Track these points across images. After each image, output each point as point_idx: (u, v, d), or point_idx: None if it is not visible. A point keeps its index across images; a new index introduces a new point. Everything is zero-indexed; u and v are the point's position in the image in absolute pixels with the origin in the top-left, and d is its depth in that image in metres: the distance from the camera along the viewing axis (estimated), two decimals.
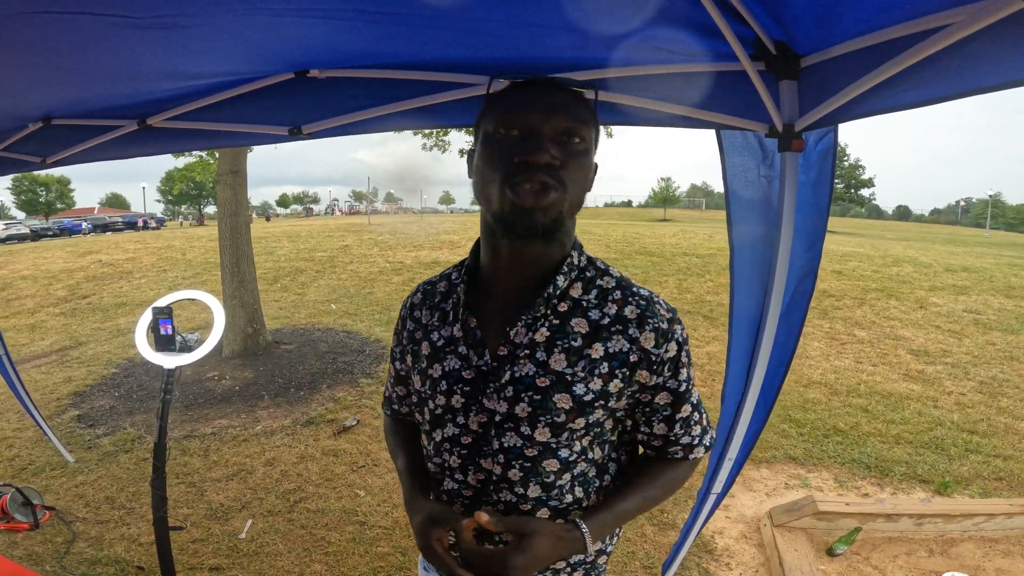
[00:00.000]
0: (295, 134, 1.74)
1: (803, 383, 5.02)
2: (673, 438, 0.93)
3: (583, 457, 0.88)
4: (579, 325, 0.84)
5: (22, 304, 9.09)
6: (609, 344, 0.83)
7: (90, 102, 1.80)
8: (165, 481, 2.02)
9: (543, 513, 0.88)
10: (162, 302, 1.96)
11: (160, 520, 2.01)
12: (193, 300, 2.23)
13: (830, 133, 1.19)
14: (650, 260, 10.11)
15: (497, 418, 0.85)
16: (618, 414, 0.90)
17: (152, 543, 2.68)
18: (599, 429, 0.88)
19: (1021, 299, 7.94)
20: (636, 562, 2.64)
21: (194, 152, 10.24)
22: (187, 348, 2.00)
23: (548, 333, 0.84)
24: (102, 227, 36.19)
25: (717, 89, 1.19)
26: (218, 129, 1.78)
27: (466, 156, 0.92)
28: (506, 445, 0.85)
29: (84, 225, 36.28)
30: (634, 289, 0.87)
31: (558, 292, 0.85)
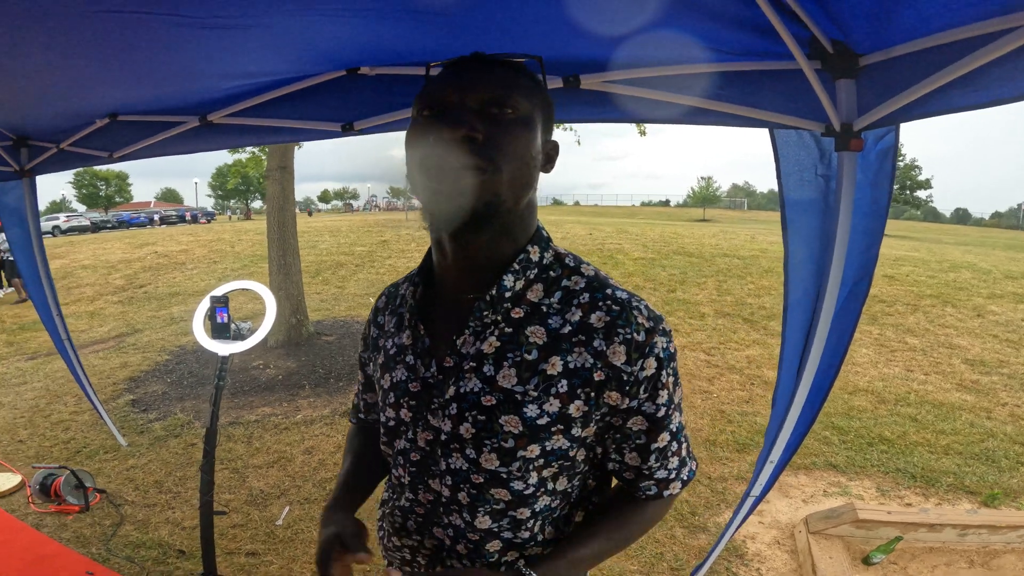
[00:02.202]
0: (347, 130, 1.79)
1: (848, 390, 4.85)
2: (647, 471, 0.78)
3: (544, 490, 0.75)
4: (535, 334, 0.71)
5: (82, 292, 9.61)
6: (569, 358, 0.69)
7: (154, 99, 1.90)
8: (213, 466, 2.09)
9: (494, 545, 0.76)
10: (219, 291, 2.05)
11: (206, 504, 2.07)
12: (245, 290, 2.32)
13: (890, 133, 1.16)
14: (688, 261, 9.92)
15: (443, 437, 0.75)
16: (588, 441, 0.75)
17: (194, 527, 2.80)
18: (565, 461, 0.74)
19: None
20: (664, 563, 2.62)
21: (247, 148, 10.63)
22: (240, 336, 2.08)
23: (498, 343, 0.71)
24: (161, 220, 37.95)
25: (771, 87, 1.17)
26: (274, 125, 1.85)
27: None
28: (452, 467, 0.75)
29: (156, 216, 38.60)
30: (607, 291, 0.72)
31: (506, 294, 0.72)
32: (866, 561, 2.51)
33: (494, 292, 0.71)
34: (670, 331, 0.74)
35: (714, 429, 3.98)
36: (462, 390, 0.72)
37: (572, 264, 0.76)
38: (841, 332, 1.36)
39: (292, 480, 3.37)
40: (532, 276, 0.74)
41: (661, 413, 0.73)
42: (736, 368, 5.35)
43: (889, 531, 2.58)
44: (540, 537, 0.78)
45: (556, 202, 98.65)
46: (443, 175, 0.65)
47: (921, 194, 43.11)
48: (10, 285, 9.52)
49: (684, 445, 0.80)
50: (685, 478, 0.81)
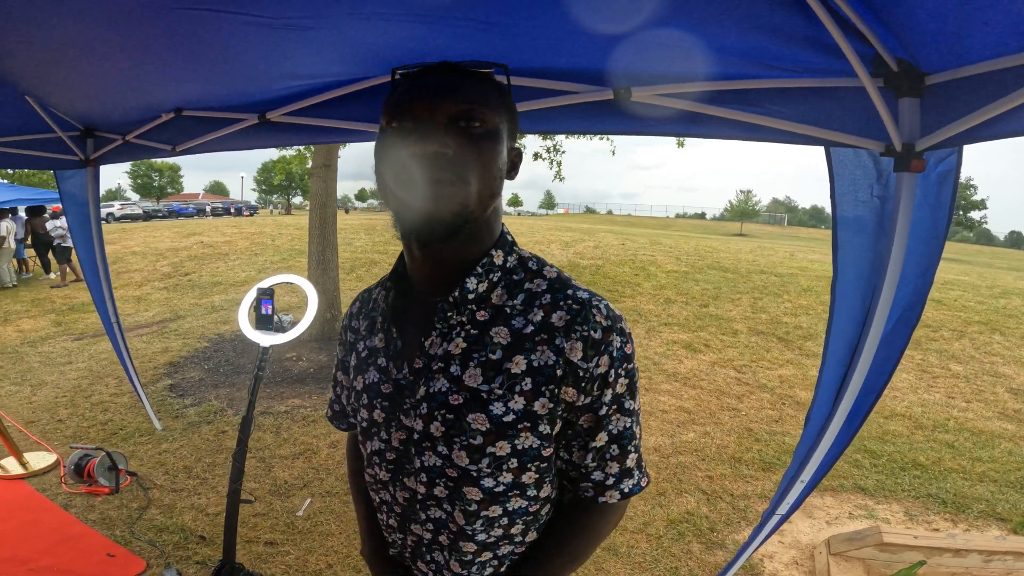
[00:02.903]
0: None
1: (884, 414, 4.69)
2: (584, 470, 0.79)
3: (519, 492, 0.77)
4: (499, 335, 0.74)
5: (131, 277, 10.01)
6: (533, 356, 0.72)
7: (218, 96, 1.97)
8: (245, 454, 2.13)
9: (468, 547, 0.79)
10: (266, 283, 2.11)
11: (234, 492, 2.11)
12: (288, 284, 2.38)
13: (953, 155, 1.12)
14: (723, 276, 9.73)
15: (415, 436, 0.77)
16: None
17: (217, 514, 2.86)
18: (541, 462, 0.76)
19: None
20: None
21: (294, 146, 10.96)
22: (282, 328, 2.14)
23: (464, 344, 0.74)
24: (211, 211, 39.42)
25: (828, 105, 1.15)
26: (326, 125, 1.90)
27: None
28: (427, 464, 0.77)
29: (207, 208, 40.37)
30: (568, 292, 0.74)
31: (469, 295, 0.74)
32: None
33: (457, 294, 0.74)
34: (629, 333, 0.76)
35: (740, 447, 3.90)
36: (431, 390, 0.75)
37: (535, 267, 0.79)
38: (887, 357, 1.32)
39: (316, 472, 3.42)
40: (496, 279, 0.76)
41: (603, 412, 0.75)
42: (767, 387, 5.23)
43: (913, 555, 2.51)
44: (518, 538, 0.81)
45: (589, 210, 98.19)
46: (413, 187, 0.68)
47: (975, 215, 41.32)
48: (58, 270, 9.98)
49: (632, 456, 0.79)
50: (625, 490, 0.80)
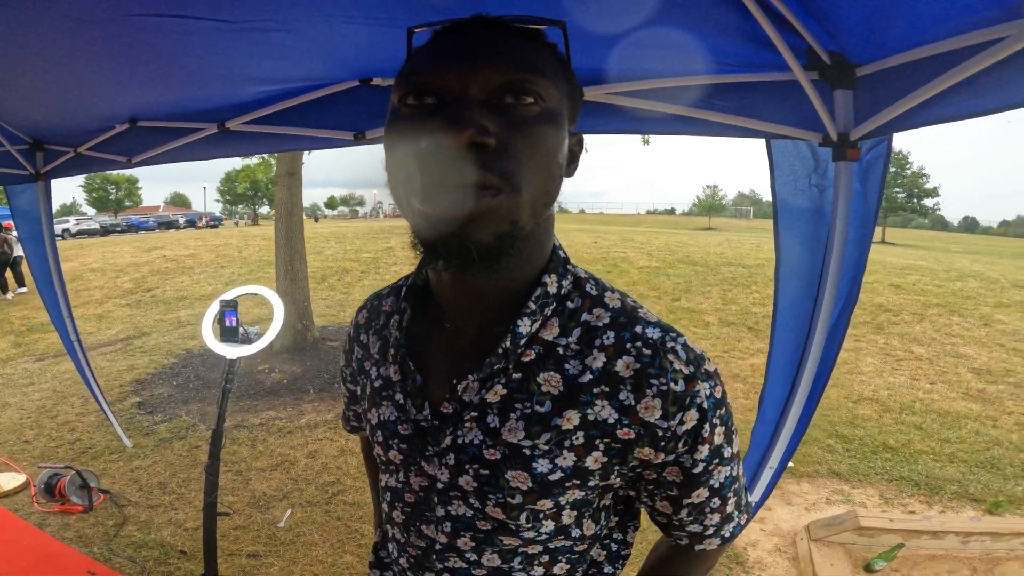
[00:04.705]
0: (359, 139, 1.83)
1: (853, 399, 4.85)
2: (677, 522, 0.66)
3: (561, 537, 0.64)
4: (548, 382, 0.58)
5: (91, 295, 9.69)
6: (589, 411, 0.57)
7: (174, 105, 1.94)
8: (219, 467, 2.10)
9: None
10: (229, 295, 2.08)
11: (209, 505, 2.08)
12: (254, 295, 2.35)
13: (883, 142, 1.18)
14: (693, 269, 9.92)
15: (439, 485, 0.64)
16: (616, 489, 0.65)
17: (196, 528, 2.80)
18: (585, 508, 0.64)
19: None
20: None
21: (256, 155, 10.76)
22: (248, 340, 2.11)
23: (504, 391, 0.59)
24: (166, 224, 38.42)
25: (768, 98, 1.20)
26: (289, 133, 1.89)
27: None
28: (453, 513, 0.64)
29: (181, 220, 39.85)
30: (636, 329, 0.58)
31: (521, 342, 0.59)
32: (868, 569, 2.51)
33: (507, 344, 0.58)
34: (715, 371, 0.61)
35: None
36: (460, 440, 0.61)
37: (595, 293, 0.62)
38: (834, 340, 1.38)
39: (295, 483, 3.39)
40: (549, 312, 0.60)
41: (699, 469, 0.61)
42: (741, 377, 5.35)
43: (891, 538, 2.59)
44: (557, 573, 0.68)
45: (561, 210, 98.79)
46: (439, 197, 0.48)
47: (928, 202, 42.87)
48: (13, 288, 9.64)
49: (732, 500, 0.66)
50: (727, 535, 0.68)
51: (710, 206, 56.70)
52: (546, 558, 0.65)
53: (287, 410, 4.56)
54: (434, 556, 0.67)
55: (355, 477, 3.45)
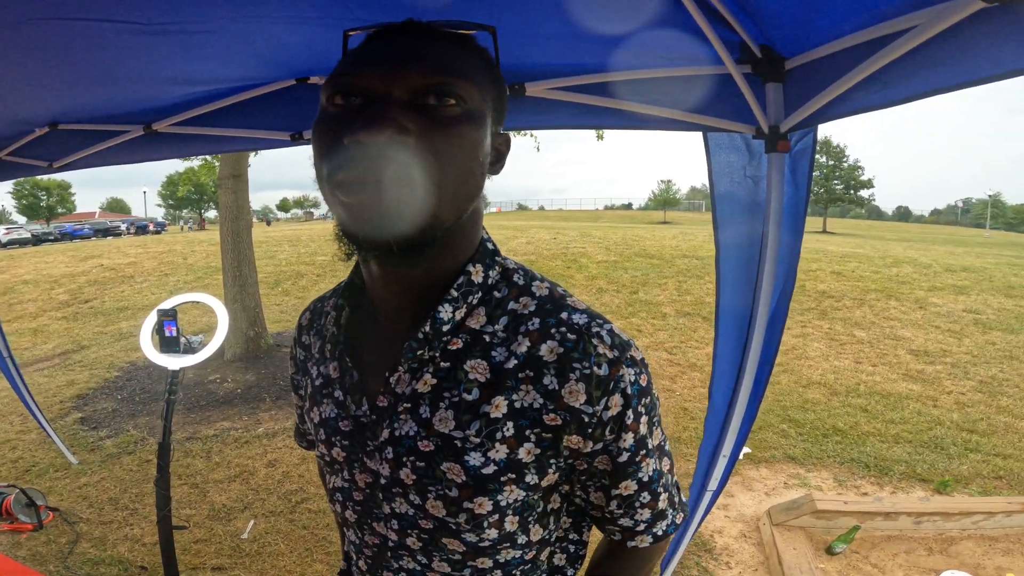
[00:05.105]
0: (296, 139, 1.78)
1: (802, 383, 5.04)
2: (609, 515, 0.66)
3: (509, 544, 0.63)
4: (475, 369, 0.59)
5: (24, 308, 9.13)
6: (515, 397, 0.57)
7: (97, 107, 1.84)
8: (169, 480, 2.05)
9: None
10: (167, 304, 2.00)
11: (164, 519, 2.03)
12: (196, 303, 2.27)
13: (810, 134, 1.23)
14: (650, 262, 10.12)
15: (382, 480, 0.64)
16: (550, 486, 0.64)
17: (155, 543, 2.69)
18: (528, 512, 0.63)
19: (1021, 299, 7.95)
20: None
21: (190, 157, 10.35)
22: (191, 350, 2.03)
23: (434, 381, 0.60)
24: (103, 232, 36.53)
25: (705, 92, 1.22)
26: (222, 134, 1.82)
27: None
28: (398, 511, 0.64)
29: (123, 226, 37.87)
30: (563, 315, 0.59)
31: (443, 328, 0.59)
32: (829, 551, 2.58)
33: (428, 328, 0.59)
34: (642, 359, 0.61)
35: (678, 426, 4.06)
36: (396, 433, 0.61)
37: (522, 283, 0.63)
38: (775, 327, 1.43)
39: (256, 493, 3.29)
40: (475, 301, 0.61)
41: (624, 458, 0.61)
42: (697, 366, 5.49)
43: (847, 520, 2.66)
44: None
45: (522, 207, 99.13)
46: (362, 191, 0.50)
47: (864, 193, 45.13)
48: None
49: (664, 496, 0.67)
50: (659, 532, 0.68)
51: (665, 200, 58.01)
52: (498, 571, 0.65)
53: (242, 420, 4.41)
54: (389, 554, 0.68)
55: (318, 485, 3.37)
